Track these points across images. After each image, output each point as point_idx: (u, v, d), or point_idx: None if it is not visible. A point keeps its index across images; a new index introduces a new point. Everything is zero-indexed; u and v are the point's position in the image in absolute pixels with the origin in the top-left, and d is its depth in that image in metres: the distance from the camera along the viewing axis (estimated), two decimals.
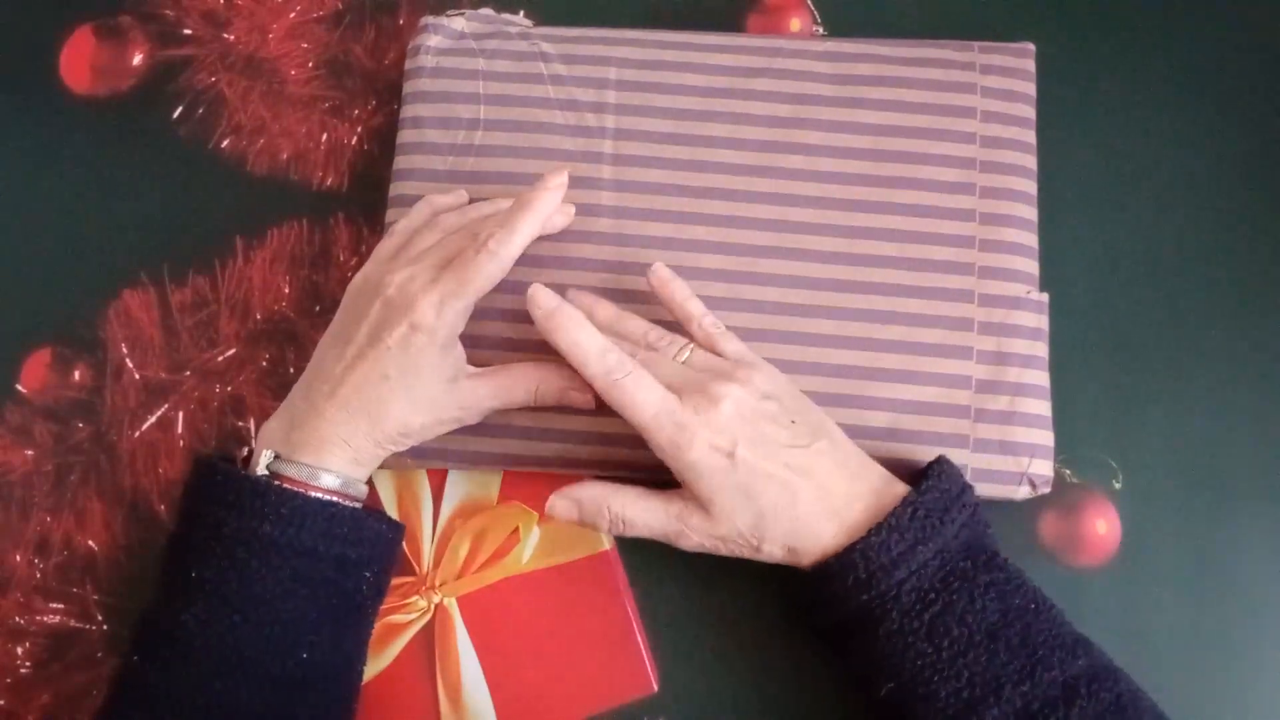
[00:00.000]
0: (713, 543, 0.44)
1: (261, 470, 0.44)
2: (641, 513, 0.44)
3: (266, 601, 0.42)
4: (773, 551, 0.44)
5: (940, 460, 0.45)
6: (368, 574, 0.45)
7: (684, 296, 0.47)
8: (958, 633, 0.40)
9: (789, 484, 0.42)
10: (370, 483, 0.51)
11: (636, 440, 0.48)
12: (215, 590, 0.42)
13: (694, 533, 0.44)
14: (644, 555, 0.50)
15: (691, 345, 0.46)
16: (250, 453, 0.45)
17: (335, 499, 0.44)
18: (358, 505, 0.45)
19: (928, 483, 0.43)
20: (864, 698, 0.43)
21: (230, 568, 0.42)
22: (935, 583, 0.41)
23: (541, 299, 0.44)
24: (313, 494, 0.43)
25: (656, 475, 0.49)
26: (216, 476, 0.43)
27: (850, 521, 0.43)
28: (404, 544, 0.50)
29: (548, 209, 0.47)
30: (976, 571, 0.41)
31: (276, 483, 0.43)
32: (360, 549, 0.45)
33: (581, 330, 0.44)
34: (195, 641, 0.42)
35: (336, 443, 0.44)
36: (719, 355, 0.46)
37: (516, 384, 0.47)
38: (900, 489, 0.44)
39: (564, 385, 0.47)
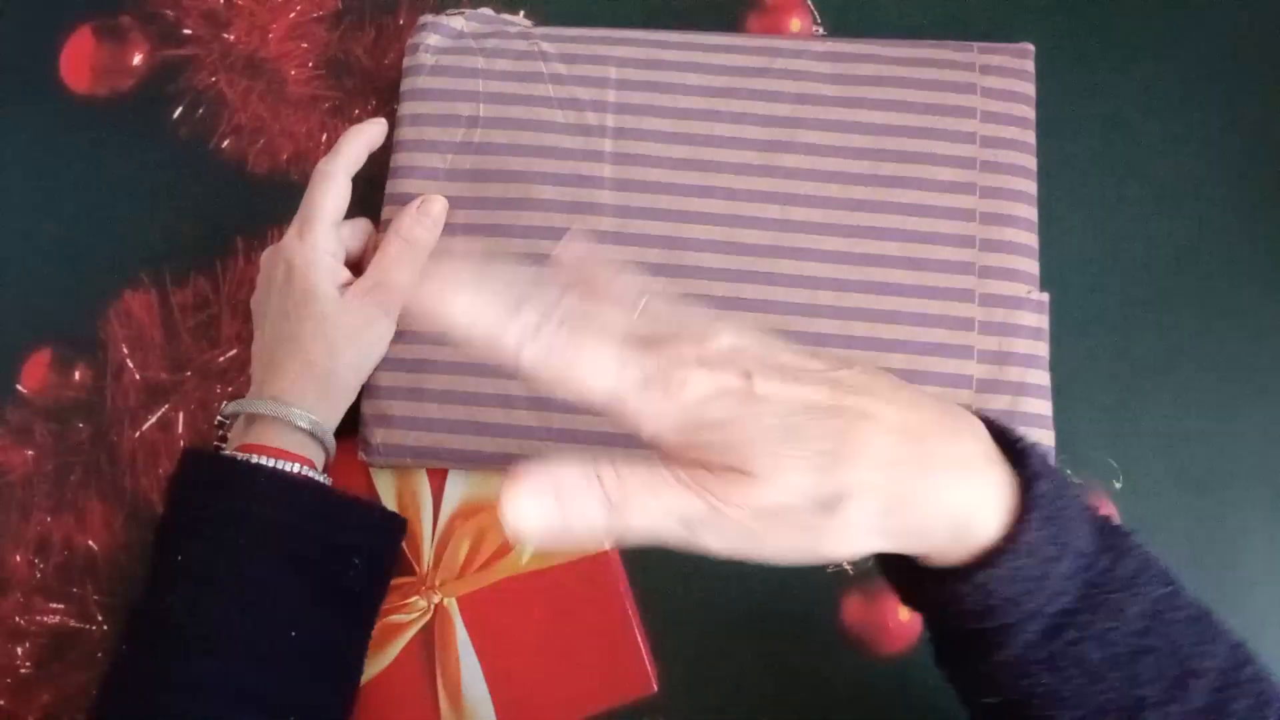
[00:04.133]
0: (759, 522, 0.29)
1: (225, 420, 0.47)
2: (647, 494, 0.30)
3: (251, 580, 0.42)
4: (859, 520, 0.29)
5: (994, 422, 0.33)
6: (356, 560, 0.45)
7: (609, 274, 0.32)
8: (1096, 658, 0.31)
9: (853, 412, 0.29)
10: (371, 484, 0.51)
11: (639, 440, 0.48)
12: (200, 571, 0.42)
13: (729, 509, 0.29)
14: (644, 555, 0.49)
15: (647, 295, 0.32)
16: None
17: (312, 470, 0.45)
18: (339, 489, 0.46)
19: (1032, 464, 0.31)
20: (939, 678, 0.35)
21: (216, 548, 0.42)
22: (1073, 602, 0.31)
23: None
24: (282, 463, 0.44)
25: None
26: (202, 461, 0.44)
27: (995, 476, 0.31)
28: (404, 544, 0.50)
29: (372, 133, 0.51)
30: (1116, 565, 0.31)
31: (261, 461, 0.44)
32: (348, 533, 0.45)
33: (465, 292, 0.29)
34: (182, 623, 0.42)
35: (290, 393, 0.46)
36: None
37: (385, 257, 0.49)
38: (992, 449, 0.31)
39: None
